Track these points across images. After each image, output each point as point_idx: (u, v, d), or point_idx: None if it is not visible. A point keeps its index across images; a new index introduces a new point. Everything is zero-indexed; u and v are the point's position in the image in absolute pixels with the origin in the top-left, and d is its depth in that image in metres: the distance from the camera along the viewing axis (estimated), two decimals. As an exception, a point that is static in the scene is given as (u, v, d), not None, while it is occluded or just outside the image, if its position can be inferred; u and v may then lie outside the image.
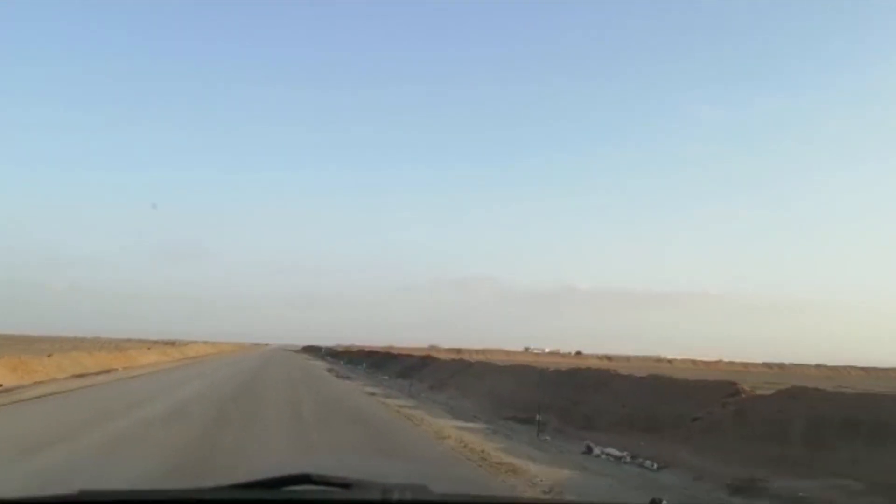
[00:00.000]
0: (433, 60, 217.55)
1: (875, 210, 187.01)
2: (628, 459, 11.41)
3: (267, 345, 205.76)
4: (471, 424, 15.42)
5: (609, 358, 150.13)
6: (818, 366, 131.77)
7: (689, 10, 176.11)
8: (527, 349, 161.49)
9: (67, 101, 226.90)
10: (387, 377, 34.88)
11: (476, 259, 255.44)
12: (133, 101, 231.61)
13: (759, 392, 13.47)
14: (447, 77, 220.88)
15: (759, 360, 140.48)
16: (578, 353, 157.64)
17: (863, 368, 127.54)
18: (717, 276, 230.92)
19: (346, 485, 2.07)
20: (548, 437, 13.74)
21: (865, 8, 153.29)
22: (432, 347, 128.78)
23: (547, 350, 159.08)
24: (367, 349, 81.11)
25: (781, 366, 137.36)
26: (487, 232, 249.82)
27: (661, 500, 2.38)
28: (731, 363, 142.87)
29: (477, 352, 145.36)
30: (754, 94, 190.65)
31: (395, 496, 1.97)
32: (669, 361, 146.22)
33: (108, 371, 29.25)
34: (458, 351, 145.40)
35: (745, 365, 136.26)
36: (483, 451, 11.00)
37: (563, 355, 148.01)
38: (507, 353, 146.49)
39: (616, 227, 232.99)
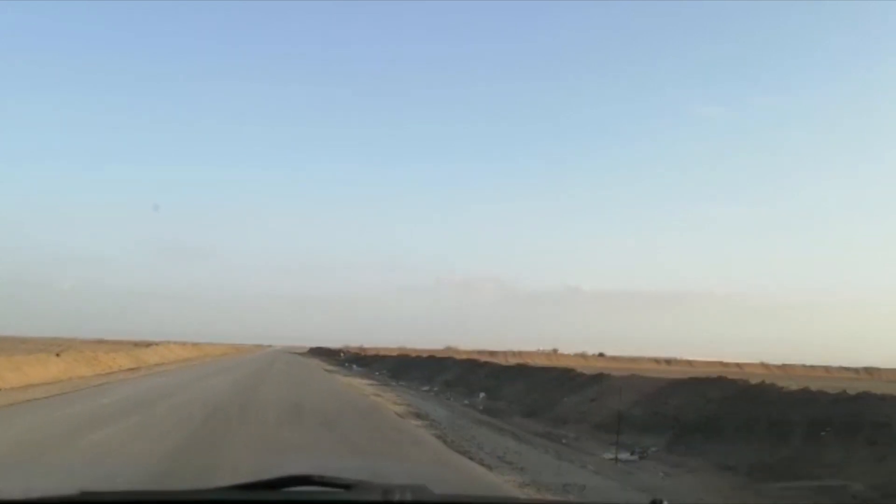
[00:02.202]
0: (437, 58, 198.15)
1: (888, 206, 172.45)
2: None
3: (270, 346, 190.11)
4: None
5: (669, 361, 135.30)
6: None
7: (686, 7, 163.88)
8: (555, 351, 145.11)
9: (69, 100, 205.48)
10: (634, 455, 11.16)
11: (479, 260, 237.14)
12: (134, 100, 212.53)
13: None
14: (450, 75, 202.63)
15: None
16: (601, 355, 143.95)
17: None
18: (723, 276, 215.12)
19: (346, 486, 2.04)
20: None
21: (867, 5, 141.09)
22: (449, 349, 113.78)
23: (557, 351, 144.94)
24: (415, 353, 58.60)
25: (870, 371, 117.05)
26: (490, 232, 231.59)
27: (661, 501, 2.22)
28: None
29: (512, 354, 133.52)
30: (756, 91, 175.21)
31: (396, 497, 1.92)
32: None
33: None
34: (492, 353, 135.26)
35: (828, 370, 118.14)
36: None
37: (589, 357, 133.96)
38: (549, 356, 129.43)
39: (619, 228, 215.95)
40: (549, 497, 7.18)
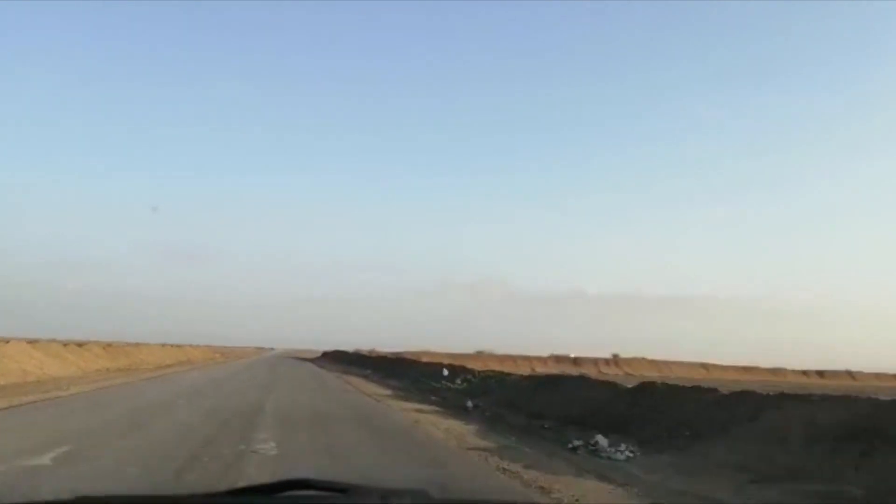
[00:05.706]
0: (440, 63, 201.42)
1: (890, 209, 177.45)
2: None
3: (272, 349, 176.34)
4: None
5: (821, 374, 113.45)
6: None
7: (690, 9, 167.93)
8: (615, 356, 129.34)
9: (70, 100, 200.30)
10: None
11: (483, 262, 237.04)
12: (135, 101, 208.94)
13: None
14: (453, 80, 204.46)
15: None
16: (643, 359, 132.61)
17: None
18: (725, 279, 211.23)
19: (344, 490, 2.03)
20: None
21: (872, 8, 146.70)
22: (479, 353, 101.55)
23: (617, 356, 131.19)
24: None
25: None
26: (496, 235, 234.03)
27: None
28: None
29: (605, 362, 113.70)
30: (759, 94, 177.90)
31: (395, 501, 1.92)
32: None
33: None
34: (558, 360, 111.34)
35: None
36: None
37: (711, 367, 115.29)
38: (648, 362, 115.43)
39: (622, 231, 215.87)
40: (549, 500, 7.35)
